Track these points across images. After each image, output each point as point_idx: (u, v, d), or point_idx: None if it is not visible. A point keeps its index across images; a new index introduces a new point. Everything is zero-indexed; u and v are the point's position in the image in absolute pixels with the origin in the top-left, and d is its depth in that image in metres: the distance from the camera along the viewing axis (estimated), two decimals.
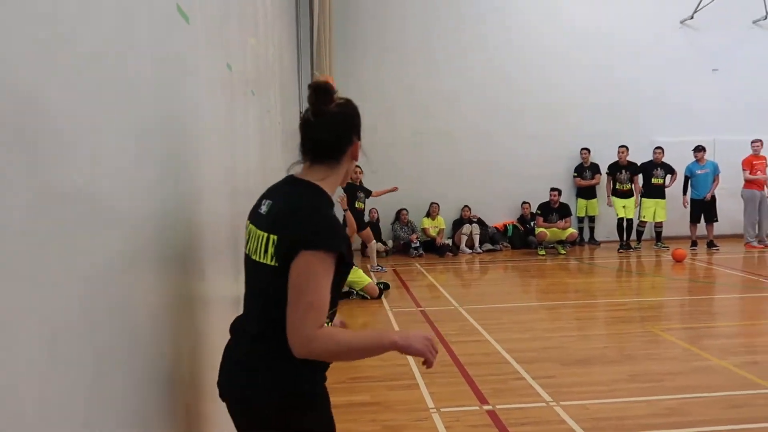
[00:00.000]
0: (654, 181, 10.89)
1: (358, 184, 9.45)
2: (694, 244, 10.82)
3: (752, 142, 10.83)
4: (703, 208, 10.81)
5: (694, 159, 10.92)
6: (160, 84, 1.61)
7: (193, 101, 1.98)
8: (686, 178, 10.97)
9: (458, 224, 11.21)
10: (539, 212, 10.78)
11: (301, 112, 9.68)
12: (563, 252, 10.63)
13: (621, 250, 10.70)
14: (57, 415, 0.97)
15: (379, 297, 7.13)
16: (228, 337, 1.81)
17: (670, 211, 10.97)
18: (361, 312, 6.40)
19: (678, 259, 9.47)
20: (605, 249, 11.04)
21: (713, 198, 10.78)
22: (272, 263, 1.63)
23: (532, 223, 11.11)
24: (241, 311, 1.83)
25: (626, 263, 9.79)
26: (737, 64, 11.94)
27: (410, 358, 4.88)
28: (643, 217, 10.90)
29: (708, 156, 11.01)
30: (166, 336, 1.65)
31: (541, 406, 3.89)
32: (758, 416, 3.66)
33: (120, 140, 1.30)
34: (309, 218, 1.64)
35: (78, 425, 1.05)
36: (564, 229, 10.60)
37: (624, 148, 10.97)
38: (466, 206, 11.22)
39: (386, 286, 7.41)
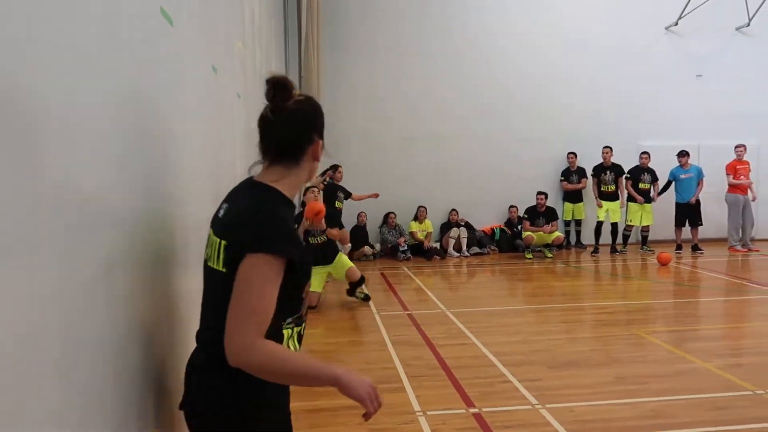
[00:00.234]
0: (641, 186, 10.96)
1: (338, 184, 9.46)
2: (679, 247, 10.93)
3: (736, 147, 10.97)
4: (688, 212, 10.93)
5: (678, 163, 11.04)
6: (141, 85, 1.61)
7: (176, 103, 1.97)
8: (669, 182, 11.10)
9: (446, 228, 11.23)
10: (526, 216, 10.83)
11: None
12: (550, 255, 10.69)
13: (594, 254, 10.81)
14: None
15: (366, 299, 7.13)
16: None
17: (656, 215, 11.08)
18: (348, 316, 6.39)
19: (663, 263, 9.56)
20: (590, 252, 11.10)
21: (698, 202, 10.90)
22: (222, 269, 1.57)
23: (519, 227, 11.17)
24: None
25: (612, 267, 9.86)
26: (721, 70, 12.10)
27: (397, 361, 4.88)
28: (630, 221, 10.98)
29: (693, 161, 11.13)
30: (147, 338, 1.64)
31: (527, 408, 3.90)
32: (741, 418, 3.70)
33: (98, 141, 1.29)
34: (256, 221, 1.56)
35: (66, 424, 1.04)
36: (550, 232, 10.67)
37: (608, 149, 11.05)
38: (453, 210, 11.26)
39: (366, 298, 7.12)
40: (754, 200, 10.92)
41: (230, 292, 1.49)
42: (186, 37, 2.13)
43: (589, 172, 11.39)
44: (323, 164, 9.77)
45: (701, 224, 10.97)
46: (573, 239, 11.78)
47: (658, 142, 11.72)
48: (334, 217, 8.25)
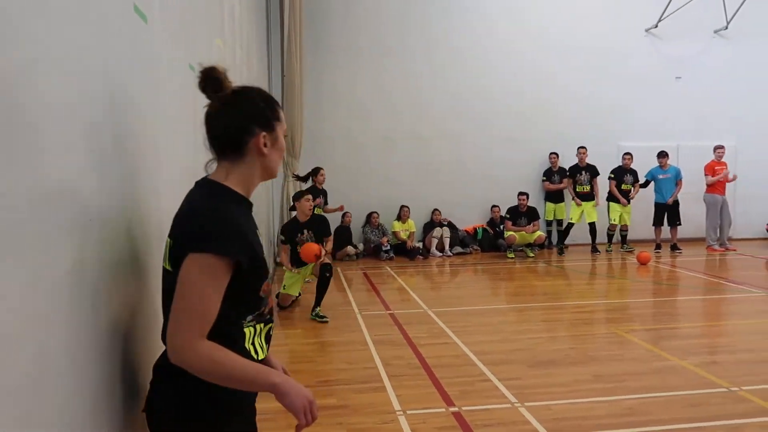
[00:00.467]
0: (624, 186, 11.05)
1: (321, 188, 9.42)
2: (658, 247, 11.08)
3: (715, 148, 11.14)
4: (667, 212, 11.08)
5: (658, 164, 11.19)
6: (113, 82, 1.59)
7: (151, 101, 1.96)
8: (647, 181, 11.24)
9: (429, 227, 11.26)
10: (508, 216, 10.90)
11: None
12: (532, 255, 10.77)
13: (561, 254, 10.95)
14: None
15: (288, 306, 6.83)
16: None
17: (636, 214, 11.22)
18: (330, 315, 6.37)
19: (642, 262, 9.67)
20: (573, 252, 11.21)
21: (676, 202, 11.06)
22: (170, 268, 1.54)
23: (501, 227, 11.23)
24: None
25: (593, 266, 9.95)
26: (700, 72, 12.28)
27: (378, 361, 4.89)
28: (612, 220, 11.06)
29: (672, 162, 11.28)
30: (122, 337, 1.63)
31: (506, 407, 3.93)
32: (715, 414, 3.76)
33: (69, 139, 1.28)
34: (197, 220, 1.52)
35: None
36: (532, 232, 10.75)
37: (584, 149, 11.18)
38: (436, 209, 11.29)
39: (322, 318, 6.29)
40: (734, 179, 11.09)
41: None
42: (161, 35, 2.11)
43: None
44: (309, 164, 9.78)
45: (680, 224, 11.12)
46: (555, 239, 11.88)
47: (638, 143, 11.87)
48: None
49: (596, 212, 11.10)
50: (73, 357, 1.28)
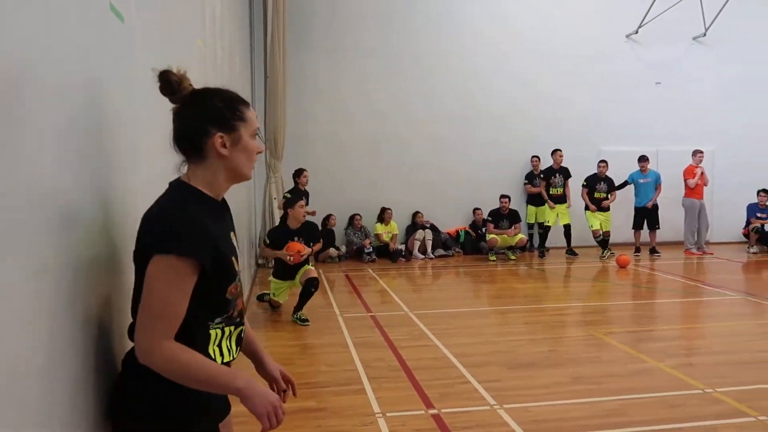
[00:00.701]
0: (596, 195, 11.00)
1: (303, 189, 9.39)
2: (637, 250, 11.21)
3: (694, 152, 11.32)
4: (646, 216, 11.22)
5: (638, 168, 11.32)
6: (89, 83, 1.57)
7: (128, 101, 1.94)
8: (626, 183, 11.35)
9: (411, 230, 11.28)
10: (490, 219, 10.96)
11: None
12: (513, 258, 10.83)
13: (542, 257, 11.05)
14: None
15: (263, 299, 7.14)
16: None
17: (616, 218, 11.32)
18: (311, 318, 6.35)
19: (622, 265, 9.78)
20: (554, 255, 11.30)
21: (655, 206, 11.20)
22: (139, 268, 1.56)
23: (483, 230, 11.29)
24: None
25: (574, 269, 10.03)
26: (679, 78, 12.47)
27: (359, 363, 4.88)
28: (593, 226, 11.08)
29: (652, 166, 11.43)
30: (97, 340, 1.61)
31: (485, 409, 3.94)
32: (691, 415, 3.81)
33: (43, 139, 1.26)
34: (161, 220, 1.53)
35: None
36: (514, 235, 10.82)
37: (559, 152, 11.27)
38: (419, 212, 11.31)
39: (304, 321, 6.27)
40: (706, 184, 11.24)
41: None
42: (139, 35, 2.09)
43: None
44: (292, 165, 9.74)
45: (659, 227, 11.27)
46: (536, 242, 11.96)
47: (619, 147, 12.04)
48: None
49: (569, 214, 11.19)
50: (49, 356, 1.26)
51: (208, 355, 1.61)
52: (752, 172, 12.32)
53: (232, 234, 1.76)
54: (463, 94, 11.77)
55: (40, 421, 1.24)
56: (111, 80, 1.78)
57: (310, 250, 6.51)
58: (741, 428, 3.63)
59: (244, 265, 7.22)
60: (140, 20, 2.11)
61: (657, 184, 11.20)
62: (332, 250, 10.66)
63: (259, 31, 10.04)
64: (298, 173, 9.26)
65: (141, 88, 2.13)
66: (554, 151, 11.33)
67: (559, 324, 6.36)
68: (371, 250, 10.78)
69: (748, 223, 11.85)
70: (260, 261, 9.78)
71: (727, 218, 12.47)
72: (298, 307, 6.27)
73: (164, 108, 1.70)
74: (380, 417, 3.81)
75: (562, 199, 11.23)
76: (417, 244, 11.08)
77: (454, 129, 11.77)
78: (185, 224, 1.51)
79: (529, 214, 11.81)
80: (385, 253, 10.85)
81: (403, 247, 11.11)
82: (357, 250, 10.90)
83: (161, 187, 1.71)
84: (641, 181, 11.28)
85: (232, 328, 1.70)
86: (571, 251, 11.15)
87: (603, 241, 10.85)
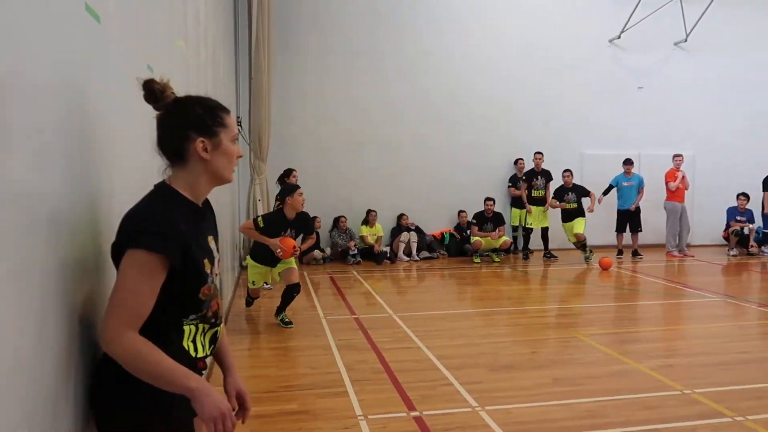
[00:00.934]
0: (567, 206, 10.78)
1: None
2: (620, 252, 11.33)
3: (674, 156, 11.46)
4: (629, 219, 11.34)
5: (622, 171, 11.43)
6: (62, 83, 1.56)
7: (104, 102, 1.92)
8: (611, 186, 11.45)
9: (396, 232, 11.29)
10: (474, 221, 11.01)
11: (238, 117, 9.57)
12: (497, 260, 10.88)
13: (526, 260, 11.13)
14: None
15: (248, 305, 6.89)
16: None
17: (599, 221, 11.42)
18: (295, 320, 6.33)
19: (604, 267, 9.87)
20: (537, 257, 11.37)
21: (638, 209, 11.32)
22: (115, 263, 1.63)
23: (468, 232, 11.33)
24: None
25: (556, 271, 10.09)
26: (660, 83, 12.63)
27: (341, 365, 4.88)
28: (570, 234, 11.01)
29: (634, 170, 11.55)
30: (75, 341, 1.61)
31: (466, 411, 3.96)
32: (669, 416, 3.86)
33: (11, 139, 1.25)
34: (134, 217, 1.62)
35: None
36: (498, 238, 10.87)
37: (539, 154, 11.34)
38: (404, 214, 11.33)
39: (288, 323, 6.22)
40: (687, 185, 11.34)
41: None
42: (116, 36, 2.08)
43: None
44: (277, 166, 9.70)
45: (641, 230, 11.40)
46: (520, 244, 12.03)
47: (601, 151, 12.17)
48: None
49: (548, 217, 11.23)
50: (35, 352, 1.26)
51: (182, 349, 1.67)
52: (732, 176, 12.51)
53: (210, 238, 1.82)
54: (448, 96, 11.81)
55: (26, 416, 1.26)
56: (87, 82, 1.76)
57: (300, 250, 6.27)
58: (717, 429, 3.68)
59: (228, 266, 7.17)
60: (118, 21, 2.10)
61: (640, 188, 11.32)
62: (317, 252, 10.63)
63: (244, 31, 10.00)
64: (287, 173, 9.23)
65: (119, 90, 2.11)
66: (535, 154, 11.40)
67: (542, 326, 6.40)
68: (356, 252, 10.77)
69: (728, 226, 12.01)
70: (244, 263, 9.73)
71: (707, 221, 12.64)
72: (281, 308, 6.24)
73: (141, 108, 1.70)
74: (362, 419, 3.81)
75: (543, 201, 11.29)
76: (402, 246, 11.09)
77: (439, 131, 11.81)
78: (158, 222, 1.59)
79: (513, 216, 11.87)
80: (369, 255, 10.85)
81: (388, 249, 11.11)
82: (342, 252, 10.89)
83: (140, 188, 1.72)
84: (625, 184, 11.40)
85: (206, 326, 1.77)
86: (549, 254, 11.20)
87: (582, 245, 10.74)
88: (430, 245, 11.45)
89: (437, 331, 6.01)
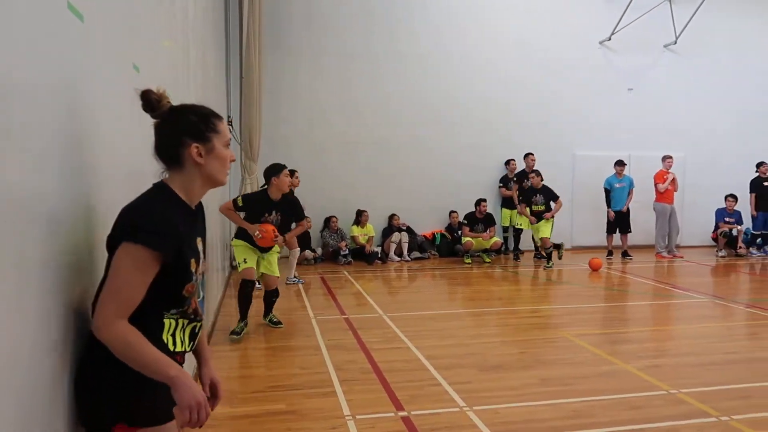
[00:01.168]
0: (534, 208, 10.37)
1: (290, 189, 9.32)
2: (610, 253, 11.39)
3: (664, 158, 11.53)
4: (619, 220, 11.40)
5: (613, 172, 11.49)
6: (43, 83, 1.55)
7: (87, 101, 1.91)
8: (606, 191, 11.49)
9: (387, 232, 11.30)
10: (465, 222, 11.03)
11: (229, 117, 9.54)
12: (488, 260, 10.91)
13: (516, 260, 11.15)
14: None
15: (278, 325, 6.24)
16: None
17: (589, 222, 11.48)
18: (285, 320, 6.32)
19: (594, 268, 9.92)
20: (528, 258, 11.41)
21: (628, 210, 11.39)
22: (108, 256, 1.71)
23: (459, 232, 11.35)
24: None
25: (547, 272, 10.12)
26: (650, 85, 12.71)
27: (330, 366, 4.88)
28: (538, 239, 10.75)
29: (624, 171, 11.61)
30: (71, 337, 1.63)
31: (454, 411, 3.96)
32: (655, 416, 3.88)
33: (7, 140, 1.24)
34: (133, 211, 1.71)
35: None
36: (489, 238, 10.90)
37: (531, 155, 11.37)
38: (395, 214, 11.34)
39: (278, 323, 6.16)
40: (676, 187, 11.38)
41: None
42: (100, 35, 2.07)
43: None
44: (264, 163, 9.63)
45: (630, 231, 11.46)
46: (511, 245, 12.06)
47: (592, 152, 12.24)
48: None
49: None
50: (33, 347, 1.25)
51: (161, 342, 1.75)
52: (720, 178, 12.60)
53: (198, 239, 1.93)
54: (440, 97, 11.82)
55: (23, 410, 1.28)
56: (72, 82, 1.76)
57: (282, 237, 5.78)
58: (701, 428, 3.71)
59: (218, 267, 7.15)
60: (102, 20, 2.09)
61: (630, 189, 11.39)
62: (308, 253, 10.62)
63: (235, 31, 9.97)
64: (291, 174, 9.17)
65: (103, 89, 2.11)
66: (527, 155, 11.43)
67: (531, 326, 6.43)
68: (347, 252, 10.77)
69: (716, 227, 12.10)
70: (234, 263, 9.70)
71: (696, 223, 12.73)
72: (267, 311, 6.22)
73: (129, 108, 1.70)
74: (350, 420, 3.81)
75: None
76: (393, 246, 11.10)
77: (431, 131, 11.83)
78: (157, 220, 1.68)
79: (503, 217, 11.91)
80: (361, 255, 10.85)
81: (379, 249, 11.11)
82: (333, 252, 10.88)
83: (128, 185, 1.76)
84: (617, 185, 11.46)
85: (186, 321, 1.85)
86: (539, 255, 11.18)
87: (548, 253, 10.24)
88: (421, 245, 11.47)
89: (427, 332, 6.01)
